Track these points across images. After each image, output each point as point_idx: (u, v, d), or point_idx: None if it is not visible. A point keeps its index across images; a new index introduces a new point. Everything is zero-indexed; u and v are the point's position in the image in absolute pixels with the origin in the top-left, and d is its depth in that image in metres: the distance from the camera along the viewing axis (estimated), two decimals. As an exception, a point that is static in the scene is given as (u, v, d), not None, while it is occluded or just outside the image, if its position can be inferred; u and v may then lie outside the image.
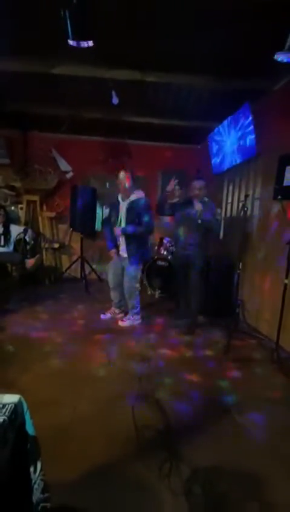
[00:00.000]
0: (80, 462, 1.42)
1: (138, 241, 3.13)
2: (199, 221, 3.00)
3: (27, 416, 0.90)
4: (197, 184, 3.11)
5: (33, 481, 0.90)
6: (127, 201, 3.13)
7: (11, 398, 0.87)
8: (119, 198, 3.21)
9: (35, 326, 3.06)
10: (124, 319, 3.29)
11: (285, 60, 2.01)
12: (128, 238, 3.12)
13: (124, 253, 3.20)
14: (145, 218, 3.07)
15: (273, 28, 1.92)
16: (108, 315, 3.42)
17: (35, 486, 0.90)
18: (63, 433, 1.59)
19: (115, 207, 3.26)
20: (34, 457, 0.91)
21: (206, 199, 3.13)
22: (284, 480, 1.41)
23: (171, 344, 2.84)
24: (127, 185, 3.09)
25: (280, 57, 2.01)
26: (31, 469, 0.90)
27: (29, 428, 0.90)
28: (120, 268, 3.27)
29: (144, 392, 2.00)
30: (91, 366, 2.34)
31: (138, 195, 3.12)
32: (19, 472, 0.85)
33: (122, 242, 3.20)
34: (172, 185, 3.08)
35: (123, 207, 3.15)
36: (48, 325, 3.11)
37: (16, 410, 0.85)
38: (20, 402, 0.88)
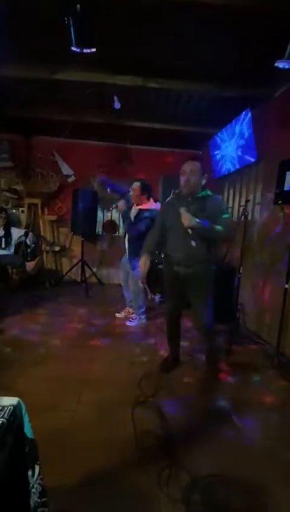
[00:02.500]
0: (78, 467, 1.41)
1: (136, 246, 3.15)
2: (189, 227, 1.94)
3: (26, 419, 0.89)
4: (187, 166, 2.00)
5: (31, 485, 0.89)
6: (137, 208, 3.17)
7: (10, 401, 0.87)
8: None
9: (35, 329, 3.05)
10: (131, 319, 3.41)
11: (285, 67, 2.04)
12: (130, 242, 3.24)
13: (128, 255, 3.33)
14: (140, 226, 3.09)
15: (273, 36, 1.95)
16: (122, 314, 3.57)
17: (33, 490, 0.89)
18: (61, 438, 1.58)
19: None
20: (33, 460, 0.90)
21: (209, 192, 2.09)
22: (285, 489, 1.39)
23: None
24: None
25: (280, 64, 2.03)
26: (29, 472, 0.89)
27: (28, 431, 0.89)
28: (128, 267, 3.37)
29: (143, 397, 1.99)
30: (90, 370, 2.33)
31: (149, 206, 3.15)
32: (17, 475, 0.84)
33: (126, 245, 3.33)
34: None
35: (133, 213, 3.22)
36: (47, 328, 3.10)
37: (15, 412, 0.84)
38: (19, 404, 0.88)
